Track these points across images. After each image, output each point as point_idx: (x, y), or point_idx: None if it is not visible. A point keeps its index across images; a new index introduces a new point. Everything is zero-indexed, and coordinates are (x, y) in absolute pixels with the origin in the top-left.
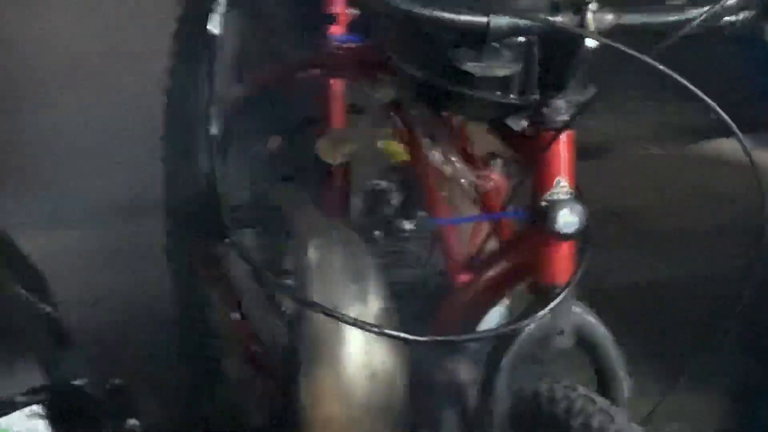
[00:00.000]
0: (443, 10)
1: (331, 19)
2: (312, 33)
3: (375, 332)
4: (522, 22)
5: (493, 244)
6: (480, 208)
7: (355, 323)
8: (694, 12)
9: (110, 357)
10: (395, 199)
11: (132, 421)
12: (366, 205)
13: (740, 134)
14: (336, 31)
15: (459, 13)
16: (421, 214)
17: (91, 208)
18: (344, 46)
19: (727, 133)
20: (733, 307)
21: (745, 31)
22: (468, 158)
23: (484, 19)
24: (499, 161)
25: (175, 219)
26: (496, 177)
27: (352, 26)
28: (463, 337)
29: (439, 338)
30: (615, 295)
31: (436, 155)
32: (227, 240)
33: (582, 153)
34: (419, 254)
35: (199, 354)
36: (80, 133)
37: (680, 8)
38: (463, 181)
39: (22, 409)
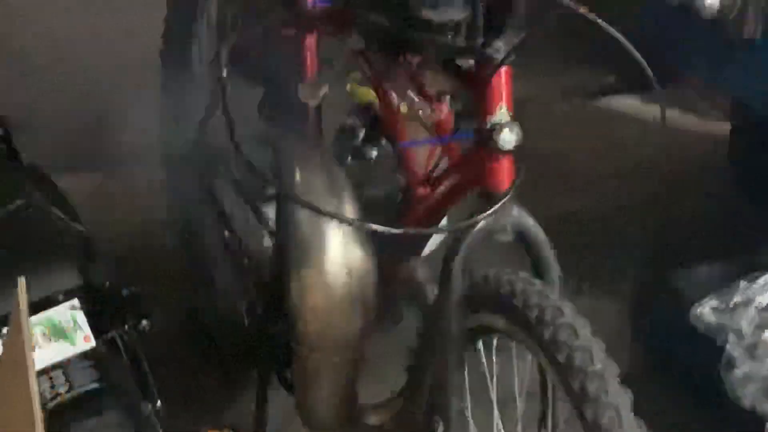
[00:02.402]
0: None
1: None
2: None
3: (358, 226)
4: None
5: (444, 163)
6: (433, 135)
7: (345, 219)
8: None
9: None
10: (361, 132)
11: (144, 322)
12: (337, 138)
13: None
14: None
15: None
16: (384, 143)
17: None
18: (315, 8)
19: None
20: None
21: None
22: (423, 94)
23: None
24: (447, 97)
25: (174, 161)
26: (444, 108)
27: None
28: (431, 230)
29: (411, 231)
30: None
31: (395, 92)
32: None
33: None
34: (383, 175)
35: (198, 269)
36: None
37: None
38: (420, 112)
39: (63, 303)
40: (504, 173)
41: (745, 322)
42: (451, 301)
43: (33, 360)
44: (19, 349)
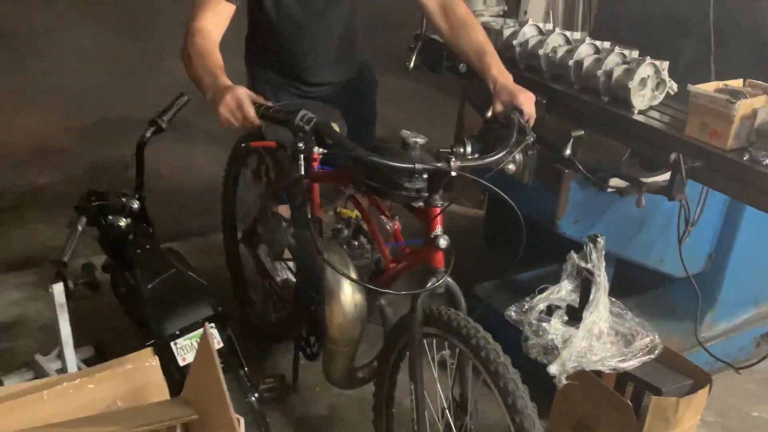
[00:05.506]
0: (392, 160)
1: (312, 158)
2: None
3: (365, 285)
4: (426, 166)
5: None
6: (392, 240)
7: (356, 281)
8: (501, 157)
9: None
10: (345, 233)
11: (228, 332)
12: (333, 236)
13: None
14: (314, 163)
15: (400, 162)
16: (363, 240)
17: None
18: (319, 170)
19: None
20: None
21: None
22: (386, 216)
23: (412, 165)
24: (397, 218)
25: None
26: (397, 225)
27: (322, 161)
28: (404, 292)
29: (395, 293)
30: None
31: (371, 216)
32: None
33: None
34: (365, 255)
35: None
36: None
37: (498, 154)
38: (387, 226)
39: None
40: (440, 261)
41: (532, 318)
42: (417, 319)
43: (218, 362)
44: (208, 352)
